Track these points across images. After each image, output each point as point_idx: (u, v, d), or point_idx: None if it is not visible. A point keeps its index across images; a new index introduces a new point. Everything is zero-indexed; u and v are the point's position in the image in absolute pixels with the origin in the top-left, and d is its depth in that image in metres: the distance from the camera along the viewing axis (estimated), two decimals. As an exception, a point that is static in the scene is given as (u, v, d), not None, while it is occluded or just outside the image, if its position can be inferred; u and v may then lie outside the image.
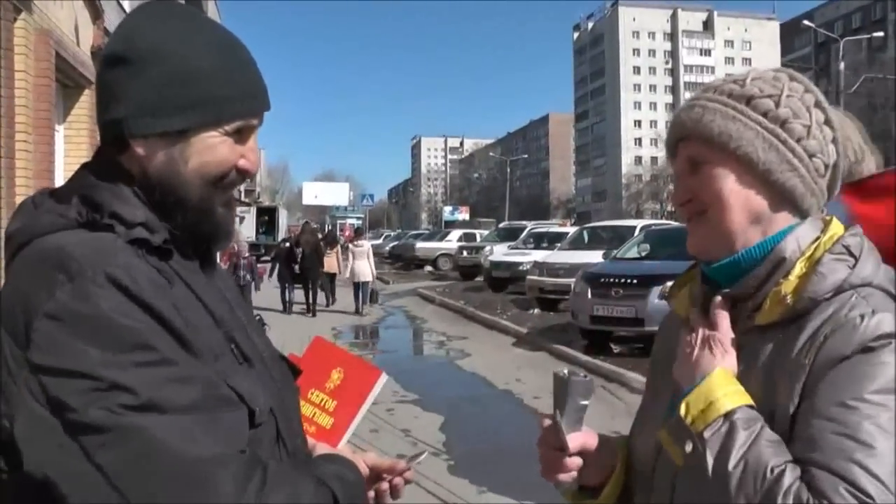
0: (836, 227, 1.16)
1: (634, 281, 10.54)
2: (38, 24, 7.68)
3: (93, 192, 1.05)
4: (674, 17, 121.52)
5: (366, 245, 17.47)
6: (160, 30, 1.06)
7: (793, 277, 1.10)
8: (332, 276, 18.27)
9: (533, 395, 8.50)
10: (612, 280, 10.81)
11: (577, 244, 17.09)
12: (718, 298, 1.16)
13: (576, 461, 1.24)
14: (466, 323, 15.10)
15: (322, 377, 1.51)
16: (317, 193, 44.32)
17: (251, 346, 1.13)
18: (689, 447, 1.03)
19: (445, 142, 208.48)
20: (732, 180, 1.13)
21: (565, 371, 1.25)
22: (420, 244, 33.16)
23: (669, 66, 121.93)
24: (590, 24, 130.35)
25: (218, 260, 1.25)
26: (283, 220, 46.11)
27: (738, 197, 1.13)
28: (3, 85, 6.70)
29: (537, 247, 19.94)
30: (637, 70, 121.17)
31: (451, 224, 48.86)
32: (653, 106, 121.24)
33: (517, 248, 20.69)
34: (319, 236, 19.30)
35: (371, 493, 1.29)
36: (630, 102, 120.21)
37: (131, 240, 1.01)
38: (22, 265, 0.98)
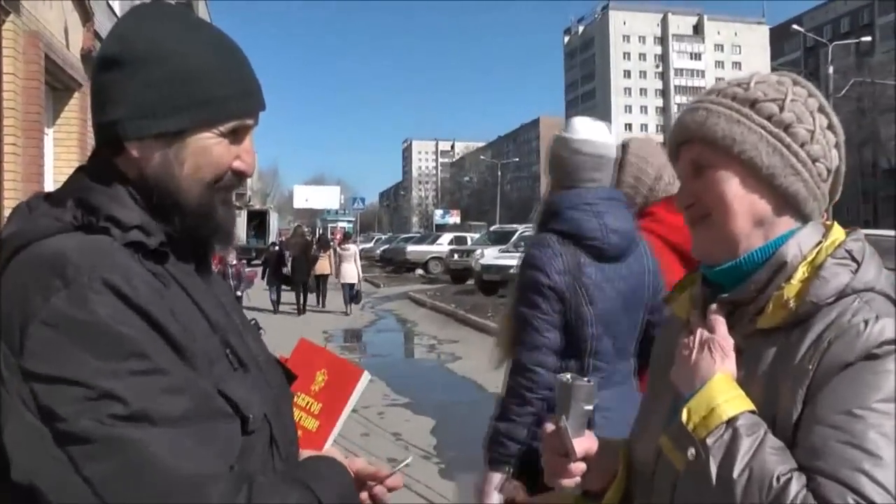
0: (838, 232, 1.15)
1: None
2: (26, 26, 7.65)
3: (89, 195, 1.04)
4: (664, 21, 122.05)
5: (352, 248, 18.30)
6: (153, 31, 1.06)
7: (795, 281, 1.09)
8: (324, 279, 18.81)
9: (524, 398, 8.50)
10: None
11: (567, 247, 17.07)
12: (715, 305, 1.15)
13: (580, 466, 1.24)
14: (457, 326, 15.08)
15: (307, 380, 1.51)
16: (308, 197, 44.29)
17: (246, 351, 1.13)
18: (691, 454, 1.03)
19: (436, 145, 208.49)
20: (736, 184, 1.13)
21: (568, 376, 1.24)
22: (411, 248, 33.11)
23: (660, 69, 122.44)
24: (580, 28, 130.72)
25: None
26: (273, 223, 46.03)
27: (741, 201, 1.13)
28: (-9, 87, 6.67)
29: (528, 250, 19.90)
30: (627, 74, 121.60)
31: (442, 227, 48.82)
32: (643, 109, 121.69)
33: (508, 252, 20.67)
34: (311, 240, 20.09)
35: None
36: (620, 106, 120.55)
37: (127, 243, 1.01)
38: (17, 269, 0.97)
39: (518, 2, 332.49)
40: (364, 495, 1.26)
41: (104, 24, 10.67)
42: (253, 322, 1.30)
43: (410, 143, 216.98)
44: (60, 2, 9.14)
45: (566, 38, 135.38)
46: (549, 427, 1.25)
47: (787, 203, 1.14)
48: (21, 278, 0.95)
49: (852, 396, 0.98)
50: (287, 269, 18.11)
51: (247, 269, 23.52)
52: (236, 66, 1.11)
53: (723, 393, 1.04)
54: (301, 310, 17.57)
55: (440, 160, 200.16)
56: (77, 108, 9.69)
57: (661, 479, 1.17)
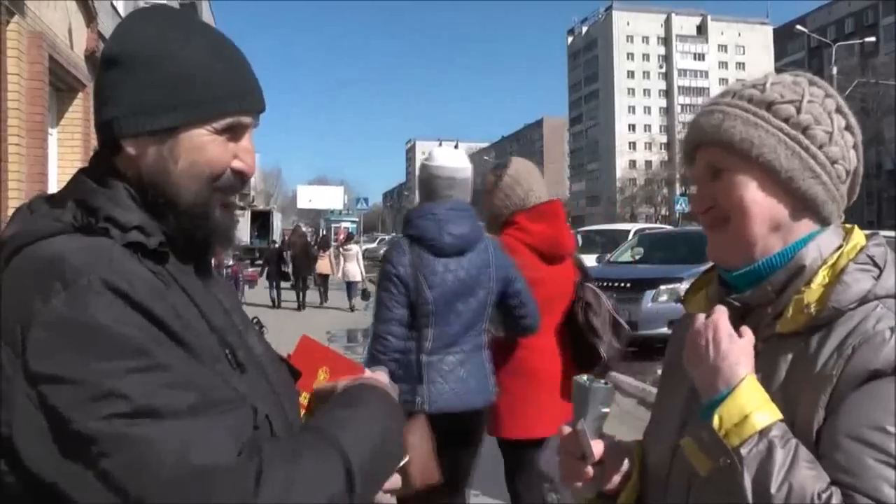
0: (859, 237, 1.13)
1: (628, 285, 10.56)
2: (31, 27, 7.67)
3: (88, 196, 1.05)
4: (667, 22, 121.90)
5: (354, 248, 19.10)
6: (151, 32, 1.08)
7: (815, 286, 1.08)
8: (325, 277, 19.51)
9: (526, 398, 8.49)
10: (605, 284, 10.81)
11: (570, 248, 17.10)
12: (723, 307, 1.12)
13: (596, 469, 1.22)
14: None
15: (309, 378, 1.51)
16: (311, 197, 44.24)
17: (246, 352, 1.13)
18: (724, 462, 1.00)
19: (440, 145, 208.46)
20: (754, 188, 1.11)
21: (585, 378, 1.22)
22: (414, 248, 33.00)
23: (663, 70, 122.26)
24: (584, 29, 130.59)
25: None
26: (277, 223, 46.01)
27: (760, 205, 1.11)
28: (-5, 88, 6.68)
29: (531, 250, 19.93)
30: (631, 74, 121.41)
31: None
32: (647, 110, 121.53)
33: (511, 252, 20.67)
34: (313, 240, 20.90)
35: None
36: (624, 107, 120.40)
37: (127, 243, 1.01)
38: (17, 271, 0.97)
39: (521, 2, 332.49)
40: None
41: (108, 25, 10.70)
42: (255, 320, 1.29)
43: (414, 144, 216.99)
44: (64, 3, 9.16)
45: (570, 39, 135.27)
46: (566, 429, 1.23)
47: (805, 206, 1.12)
48: (21, 280, 0.96)
49: (883, 411, 0.96)
50: (286, 267, 19.14)
51: (249, 270, 24.17)
52: (234, 67, 1.11)
53: (754, 399, 1.02)
54: (301, 306, 18.07)
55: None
56: (81, 109, 9.72)
57: (676, 481, 1.16)
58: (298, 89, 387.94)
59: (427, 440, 1.38)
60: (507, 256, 3.08)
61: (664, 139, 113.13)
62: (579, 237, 18.05)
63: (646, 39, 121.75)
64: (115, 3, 12.56)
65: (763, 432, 0.99)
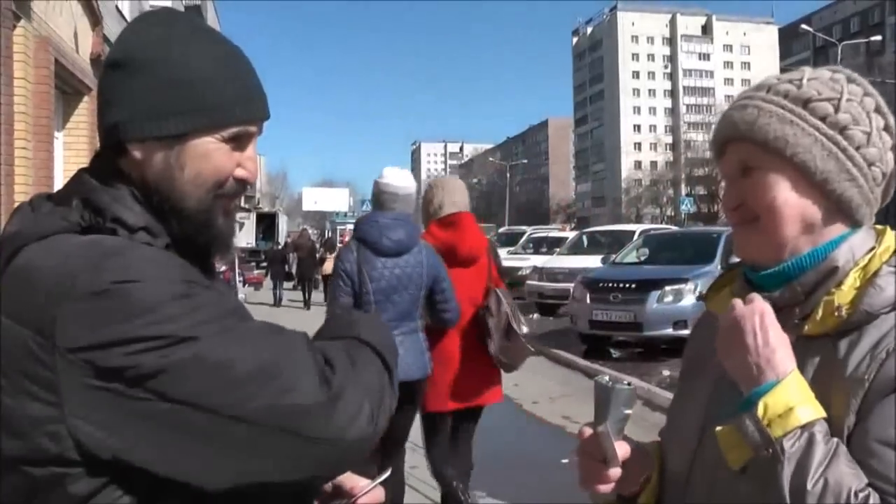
0: (891, 239, 1.11)
1: (633, 286, 10.54)
2: (37, 31, 7.71)
3: (94, 195, 1.05)
4: (672, 22, 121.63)
5: None
6: (158, 36, 1.08)
7: (846, 288, 1.05)
8: (326, 278, 19.59)
9: (531, 400, 8.48)
10: (610, 285, 10.81)
11: (576, 249, 17.10)
12: (758, 296, 1.08)
13: (617, 472, 1.19)
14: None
15: None
16: (316, 199, 44.22)
17: None
18: (764, 452, 0.97)
19: (445, 147, 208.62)
20: (787, 189, 1.08)
21: (607, 378, 1.19)
22: (420, 249, 33.03)
23: (668, 70, 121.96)
24: (589, 29, 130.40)
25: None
26: (282, 225, 46.07)
27: (792, 207, 1.08)
28: (2, 92, 6.72)
29: (536, 252, 19.95)
30: (636, 75, 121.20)
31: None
32: (652, 111, 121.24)
33: (516, 253, 20.66)
34: (318, 242, 22.26)
35: None
36: (629, 107, 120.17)
37: None
38: (31, 264, 0.97)
39: (526, 3, 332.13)
40: None
41: (113, 29, 10.73)
42: None
43: (419, 145, 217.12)
44: (70, 7, 9.20)
45: (574, 40, 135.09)
46: (587, 431, 1.21)
47: (839, 209, 1.09)
48: (40, 271, 0.95)
49: None
50: (289, 268, 20.90)
51: (255, 272, 24.90)
52: (240, 74, 1.11)
53: (799, 393, 0.99)
54: (307, 305, 18.91)
55: (449, 162, 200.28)
56: (87, 113, 9.74)
57: (698, 483, 1.15)
58: (304, 91, 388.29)
59: None
60: (439, 259, 3.83)
61: (669, 140, 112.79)
62: (585, 238, 18.08)
63: (650, 40, 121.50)
64: (120, 6, 12.61)
65: (806, 427, 0.96)
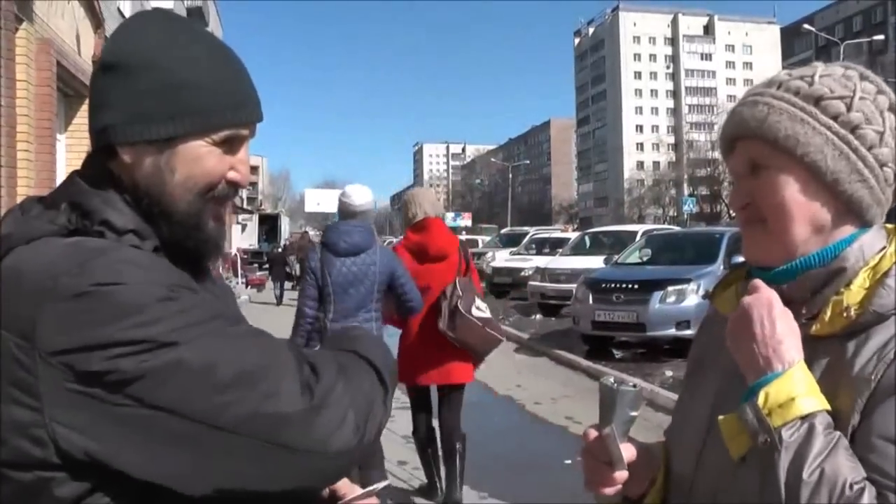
0: None
1: (636, 286, 10.53)
2: (39, 34, 7.72)
3: (82, 198, 1.04)
4: (674, 22, 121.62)
5: None
6: (150, 38, 1.06)
7: (856, 288, 1.03)
8: None
9: (534, 401, 8.48)
10: (613, 285, 10.80)
11: (578, 250, 17.08)
12: (765, 285, 1.06)
13: (623, 474, 1.17)
14: (468, 329, 15.04)
15: None
16: (319, 200, 44.21)
17: None
18: (762, 441, 0.96)
19: (447, 148, 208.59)
20: (797, 189, 1.05)
21: (613, 380, 1.18)
22: (422, 250, 33.02)
23: (671, 70, 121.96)
24: (590, 30, 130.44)
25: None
26: (285, 227, 46.14)
27: (801, 208, 1.06)
28: (4, 94, 6.73)
29: (539, 252, 19.90)
30: (638, 75, 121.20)
31: (454, 230, 48.45)
32: (654, 111, 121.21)
33: (519, 254, 20.67)
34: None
35: None
36: (631, 107, 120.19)
37: None
38: (17, 266, 0.96)
39: (528, 4, 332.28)
40: None
41: (115, 31, 10.73)
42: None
43: (421, 147, 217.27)
44: (72, 9, 9.22)
45: (576, 40, 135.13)
46: (592, 433, 1.19)
47: (849, 210, 1.06)
48: (27, 271, 0.95)
49: None
50: (289, 268, 21.58)
51: (257, 274, 25.31)
52: (233, 77, 1.10)
53: (804, 383, 0.97)
54: None
55: (451, 163, 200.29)
56: (89, 115, 9.76)
57: (702, 484, 1.14)
58: (307, 92, 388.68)
59: None
60: (395, 258, 4.59)
61: (672, 140, 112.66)
62: (587, 239, 18.07)
63: (652, 40, 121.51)
64: (122, 8, 12.63)
65: (806, 418, 0.95)
